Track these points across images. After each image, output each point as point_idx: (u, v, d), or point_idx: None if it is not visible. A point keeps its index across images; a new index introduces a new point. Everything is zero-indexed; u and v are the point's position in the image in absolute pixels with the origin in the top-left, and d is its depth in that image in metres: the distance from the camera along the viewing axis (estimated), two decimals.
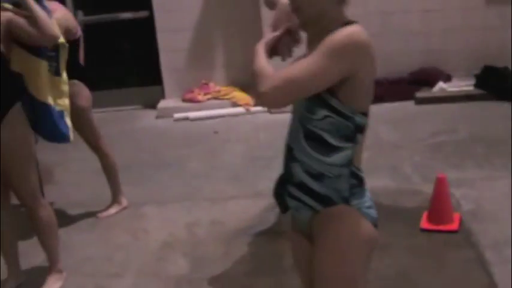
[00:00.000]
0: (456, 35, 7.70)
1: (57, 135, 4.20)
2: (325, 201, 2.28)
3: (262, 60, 2.21)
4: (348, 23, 2.17)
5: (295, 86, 2.07)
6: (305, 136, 2.26)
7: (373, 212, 2.33)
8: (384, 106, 6.85)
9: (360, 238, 2.29)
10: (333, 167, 2.24)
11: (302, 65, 2.09)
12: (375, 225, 2.33)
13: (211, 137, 6.89)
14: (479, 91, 7.31)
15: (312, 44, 2.18)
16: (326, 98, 2.15)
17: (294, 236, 2.51)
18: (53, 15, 4.60)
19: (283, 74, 2.08)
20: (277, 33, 2.36)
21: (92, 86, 5.04)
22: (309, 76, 2.07)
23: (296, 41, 2.38)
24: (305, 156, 2.27)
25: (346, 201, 2.27)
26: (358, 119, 2.19)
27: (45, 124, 4.08)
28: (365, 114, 2.22)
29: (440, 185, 4.48)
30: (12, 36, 3.77)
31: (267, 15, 7.04)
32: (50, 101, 4.07)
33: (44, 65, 4.00)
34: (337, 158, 2.23)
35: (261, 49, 2.27)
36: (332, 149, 2.22)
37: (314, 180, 2.27)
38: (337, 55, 2.07)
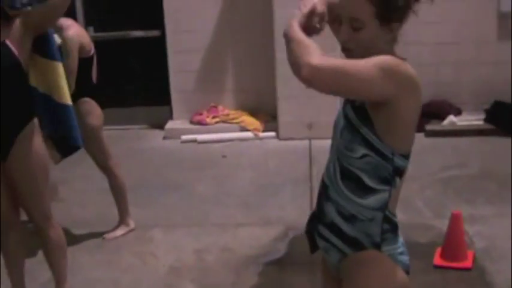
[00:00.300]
0: (467, 69, 7.67)
1: (78, 138, 4.14)
2: (355, 244, 2.21)
3: (301, 33, 2.10)
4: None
5: (342, 76, 1.98)
6: (341, 175, 2.19)
7: (405, 259, 2.26)
8: None
9: (390, 286, 2.22)
10: (366, 210, 2.17)
11: (355, 63, 2.00)
12: (407, 272, 2.26)
13: (219, 161, 6.83)
14: (489, 126, 7.27)
15: None
16: (366, 135, 2.09)
17: (324, 276, 2.45)
18: (67, 31, 4.60)
19: (336, 61, 1.99)
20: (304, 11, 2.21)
21: (100, 105, 5.00)
22: (357, 76, 1.98)
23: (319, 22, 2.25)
24: (339, 196, 2.20)
25: (378, 246, 2.20)
26: (398, 160, 2.13)
27: (68, 127, 4.03)
28: (405, 156, 2.16)
29: (455, 221, 4.43)
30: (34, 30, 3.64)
31: (280, 40, 7.06)
32: (70, 102, 4.01)
33: (60, 67, 3.93)
34: (372, 200, 2.17)
35: (295, 23, 2.15)
36: (368, 191, 2.16)
37: (345, 222, 2.21)
38: (388, 73, 2.00)
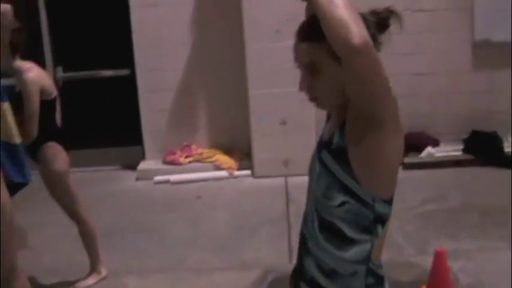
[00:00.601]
0: (444, 99, 7.61)
1: (25, 175, 3.93)
2: None
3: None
4: None
5: (378, 66, 1.76)
6: (320, 226, 2.00)
7: None
8: None
9: None
10: (347, 264, 1.98)
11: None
12: None
13: (194, 202, 6.64)
14: (468, 156, 7.18)
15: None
16: (344, 180, 1.92)
17: None
18: (27, 74, 4.44)
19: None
20: None
21: (70, 145, 4.82)
22: (383, 75, 1.79)
23: None
24: (318, 250, 2.01)
25: None
26: (380, 207, 1.95)
27: (15, 166, 3.82)
28: (388, 202, 1.98)
29: (439, 259, 4.25)
30: None
31: (253, 77, 6.98)
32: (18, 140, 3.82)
33: (6, 106, 3.74)
34: (352, 253, 1.97)
35: None
36: (348, 243, 1.96)
37: (325, 278, 2.01)
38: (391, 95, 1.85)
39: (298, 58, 1.98)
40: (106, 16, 7.90)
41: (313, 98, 1.99)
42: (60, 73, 7.87)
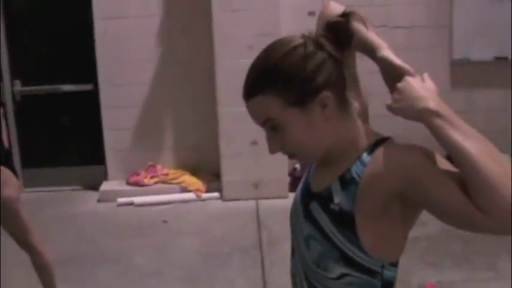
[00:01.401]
0: None
1: None
2: None
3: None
4: (382, 139, 1.64)
5: None
6: None
7: None
8: None
9: None
10: None
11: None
12: None
13: (160, 226, 6.24)
14: None
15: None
16: (348, 251, 1.57)
17: None
18: None
19: None
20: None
21: (27, 163, 4.42)
22: None
23: None
24: None
25: None
26: (388, 272, 1.61)
27: None
28: (395, 264, 1.64)
29: None
30: None
31: (222, 94, 6.64)
32: None
33: None
34: None
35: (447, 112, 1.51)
36: None
37: None
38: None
39: (254, 118, 1.65)
40: (68, 27, 7.51)
41: (291, 155, 1.65)
42: (18, 87, 7.45)
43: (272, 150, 1.65)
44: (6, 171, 4.30)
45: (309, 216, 1.65)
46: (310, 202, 1.67)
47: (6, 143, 4.39)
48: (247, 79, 1.64)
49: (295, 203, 1.77)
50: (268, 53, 1.62)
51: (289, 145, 1.61)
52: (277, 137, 1.61)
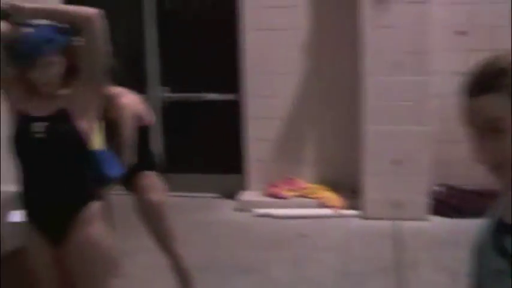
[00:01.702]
0: None
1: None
2: None
3: None
4: None
5: None
6: None
7: None
8: None
9: None
10: None
11: None
12: None
13: (297, 240, 6.15)
14: None
15: None
16: None
17: None
18: (120, 99, 4.18)
19: None
20: None
21: (169, 169, 4.52)
22: None
23: None
24: None
25: None
26: None
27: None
28: None
29: None
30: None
31: (369, 111, 6.50)
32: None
33: None
34: None
35: None
36: None
37: None
38: None
39: (475, 117, 1.52)
40: (216, 38, 7.63)
41: (496, 167, 1.51)
42: (164, 94, 7.66)
43: (481, 157, 1.52)
44: (154, 176, 4.41)
45: (501, 250, 1.51)
46: (503, 235, 1.53)
47: (157, 149, 4.51)
48: (480, 75, 1.53)
49: (480, 234, 1.63)
50: (505, 52, 1.52)
51: (501, 154, 1.49)
52: (493, 142, 1.49)
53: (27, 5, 3.00)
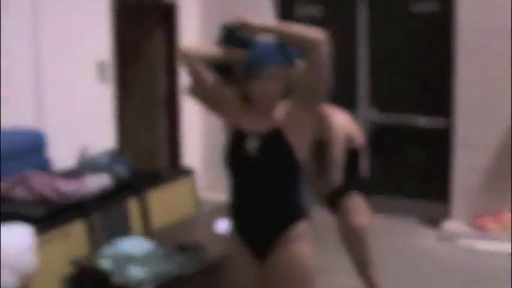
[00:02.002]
0: None
1: None
2: None
3: None
4: None
5: None
6: None
7: None
8: None
9: None
10: None
11: None
12: None
13: (504, 277, 5.75)
14: None
15: None
16: None
17: None
18: (332, 118, 4.15)
19: None
20: None
21: (374, 191, 4.45)
22: None
23: None
24: None
25: None
26: None
27: None
28: None
29: None
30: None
31: None
32: None
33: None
34: None
35: None
36: None
37: None
38: None
39: None
40: (427, 62, 7.55)
41: None
42: (373, 114, 7.68)
43: None
44: (359, 199, 4.34)
45: None
46: None
47: (364, 172, 4.46)
48: None
49: None
50: None
51: None
52: None
53: (256, 20, 2.96)
